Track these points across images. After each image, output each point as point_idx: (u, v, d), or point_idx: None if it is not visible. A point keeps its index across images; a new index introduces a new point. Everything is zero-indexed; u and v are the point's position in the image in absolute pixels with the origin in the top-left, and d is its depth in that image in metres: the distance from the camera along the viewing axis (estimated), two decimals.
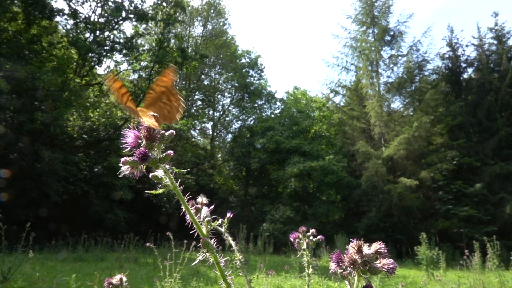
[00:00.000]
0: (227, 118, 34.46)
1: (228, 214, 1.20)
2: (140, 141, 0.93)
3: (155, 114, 0.98)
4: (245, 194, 28.88)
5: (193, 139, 31.41)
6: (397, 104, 24.47)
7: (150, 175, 0.95)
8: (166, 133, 0.97)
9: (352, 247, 0.64)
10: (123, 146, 0.93)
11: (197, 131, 33.65)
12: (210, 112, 34.17)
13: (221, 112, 34.21)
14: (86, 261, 10.83)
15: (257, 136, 26.74)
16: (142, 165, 0.90)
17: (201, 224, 1.01)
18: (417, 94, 22.51)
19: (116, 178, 17.43)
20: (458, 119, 21.24)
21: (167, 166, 0.94)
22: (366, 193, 20.66)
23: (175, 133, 1.00)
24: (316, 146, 25.06)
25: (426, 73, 23.61)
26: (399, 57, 23.32)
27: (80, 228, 13.97)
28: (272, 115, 32.19)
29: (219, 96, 34.21)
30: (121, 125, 20.13)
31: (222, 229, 1.09)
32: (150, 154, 0.90)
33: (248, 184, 28.96)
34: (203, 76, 32.86)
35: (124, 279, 0.89)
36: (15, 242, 6.54)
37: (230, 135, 33.99)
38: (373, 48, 23.47)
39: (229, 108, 34.28)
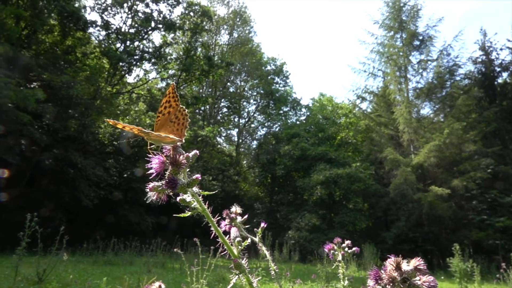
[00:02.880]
0: (253, 125, 34.63)
1: (262, 224, 1.21)
2: (166, 166, 0.91)
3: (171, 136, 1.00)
4: (270, 201, 28.79)
5: (218, 145, 31.72)
6: (426, 110, 23.80)
7: (178, 198, 0.94)
8: (190, 155, 0.96)
9: (390, 263, 0.63)
10: (149, 172, 0.92)
11: (222, 137, 34.02)
12: (236, 119, 34.47)
13: (247, 119, 34.43)
14: (115, 264, 11.10)
15: (283, 143, 26.69)
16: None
17: (231, 244, 1.00)
18: (448, 99, 21.79)
19: (144, 184, 17.83)
20: (493, 126, 20.37)
21: (195, 189, 0.93)
22: (395, 201, 20.10)
23: (198, 153, 0.98)
24: (342, 153, 24.71)
25: (458, 78, 22.87)
26: (429, 62, 22.71)
27: (110, 232, 14.37)
28: (298, 122, 32.07)
29: (244, 103, 34.49)
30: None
31: (256, 239, 1.10)
32: (178, 181, 0.89)
33: (273, 191, 28.87)
34: (228, 84, 33.26)
35: (163, 286, 0.92)
36: (49, 245, 6.80)
37: (255, 142, 34.12)
38: (401, 53, 22.98)
39: (255, 115, 34.47)
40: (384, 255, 18.28)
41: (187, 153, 0.96)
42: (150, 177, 0.93)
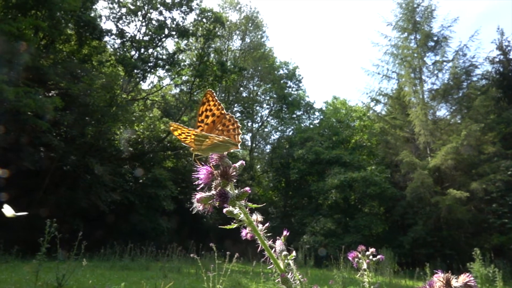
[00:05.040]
0: (266, 129, 34.63)
1: (285, 232, 1.19)
2: (214, 177, 0.90)
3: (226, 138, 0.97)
4: (284, 206, 28.67)
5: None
6: (443, 112, 23.33)
7: (224, 210, 0.93)
8: (237, 165, 0.95)
9: (439, 280, 0.60)
10: (196, 182, 0.90)
11: None
12: (249, 124, 34.50)
13: (260, 124, 34.45)
14: (132, 269, 11.20)
15: (296, 147, 26.57)
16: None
17: (277, 258, 0.98)
18: (465, 101, 21.33)
19: (159, 189, 18.01)
20: None
21: (242, 202, 0.92)
22: (412, 205, 19.74)
23: (244, 163, 0.96)
24: (357, 157, 24.45)
25: (475, 79, 22.34)
26: (444, 63, 22.30)
27: (126, 237, 14.52)
28: (311, 126, 31.91)
29: (257, 108, 34.53)
30: (164, 138, 20.84)
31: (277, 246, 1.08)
32: (229, 194, 0.88)
33: (287, 195, 28.74)
34: (241, 88, 33.36)
35: None
36: (67, 250, 6.91)
37: (269, 146, 34.10)
38: (415, 55, 22.65)
39: (268, 119, 34.48)
40: (401, 260, 17.96)
41: (234, 164, 0.95)
42: (197, 188, 0.90)
